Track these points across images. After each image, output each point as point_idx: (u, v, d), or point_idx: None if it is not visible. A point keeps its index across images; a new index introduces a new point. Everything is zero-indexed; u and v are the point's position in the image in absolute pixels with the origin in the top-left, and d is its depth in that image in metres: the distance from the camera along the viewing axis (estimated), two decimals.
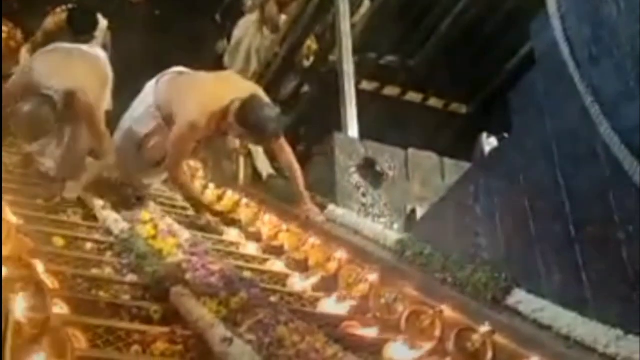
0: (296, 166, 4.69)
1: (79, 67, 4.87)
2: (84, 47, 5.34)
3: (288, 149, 4.73)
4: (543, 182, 3.47)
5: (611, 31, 3.36)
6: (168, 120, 4.76)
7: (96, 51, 5.38)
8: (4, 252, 2.96)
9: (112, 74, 5.28)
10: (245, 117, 4.47)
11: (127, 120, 5.02)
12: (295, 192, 4.68)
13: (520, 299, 3.27)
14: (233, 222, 5.03)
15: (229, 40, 7.61)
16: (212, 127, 4.61)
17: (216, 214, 5.04)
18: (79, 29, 6.10)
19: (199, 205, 4.98)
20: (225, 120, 4.55)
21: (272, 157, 5.40)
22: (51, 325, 2.39)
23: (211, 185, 5.70)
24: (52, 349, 2.22)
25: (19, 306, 2.30)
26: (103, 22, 6.63)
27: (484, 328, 3.14)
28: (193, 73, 5.03)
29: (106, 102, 5.14)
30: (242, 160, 5.85)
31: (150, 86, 4.96)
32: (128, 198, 4.95)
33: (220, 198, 5.46)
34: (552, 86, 3.60)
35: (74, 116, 4.73)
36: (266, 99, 4.75)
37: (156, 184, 5.33)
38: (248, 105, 4.50)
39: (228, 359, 2.68)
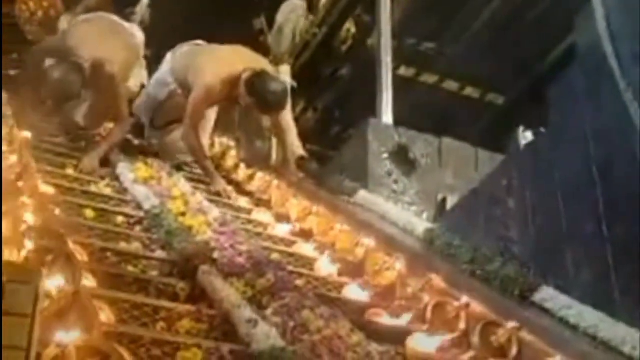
0: (288, 131, 5.12)
1: (112, 40, 5.19)
2: (124, 23, 5.58)
3: (287, 114, 5.14)
4: (578, 179, 3.43)
5: None
6: (184, 86, 5.14)
7: (133, 29, 5.65)
8: (35, 222, 2.99)
9: (146, 51, 5.64)
10: (254, 87, 4.83)
11: (148, 87, 5.55)
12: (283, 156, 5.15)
13: (548, 296, 3.23)
14: (262, 203, 5.03)
15: (266, 18, 7.59)
16: (225, 93, 4.95)
17: (230, 183, 5.28)
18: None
19: (208, 171, 5.22)
20: (236, 87, 4.88)
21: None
22: (80, 298, 2.41)
23: (242, 165, 5.69)
24: (80, 322, 2.23)
25: (48, 278, 2.31)
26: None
27: (511, 324, 3.12)
28: (209, 45, 5.39)
29: (139, 78, 5.60)
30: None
31: (168, 56, 5.37)
32: (146, 150, 5.42)
33: (251, 178, 5.45)
34: (592, 82, 3.55)
35: (99, 85, 5.06)
36: (275, 74, 5.14)
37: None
38: (257, 76, 4.85)
39: (252, 341, 2.68)
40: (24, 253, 2.63)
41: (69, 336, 2.02)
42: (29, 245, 2.68)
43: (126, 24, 5.58)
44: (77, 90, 4.92)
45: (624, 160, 3.26)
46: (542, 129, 4.23)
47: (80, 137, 5.38)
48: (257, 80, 4.83)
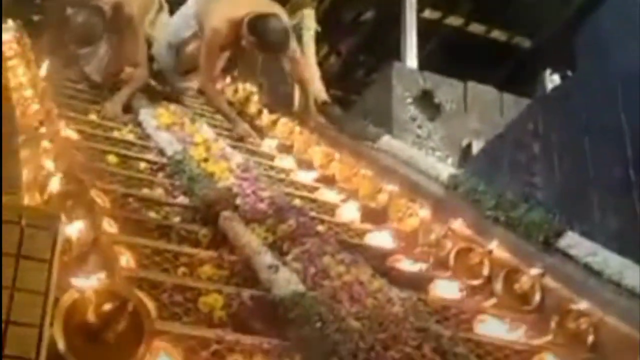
0: (307, 81, 5.24)
1: None
2: None
3: (302, 63, 5.26)
4: (605, 124, 3.36)
5: None
6: (202, 30, 5.26)
7: None
8: (56, 168, 2.98)
9: None
10: (254, 27, 4.97)
11: (169, 29, 5.61)
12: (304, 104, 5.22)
13: (572, 242, 3.19)
14: (285, 149, 5.01)
15: None
16: (231, 37, 5.09)
17: (253, 129, 5.29)
18: None
19: (229, 116, 5.32)
20: (241, 29, 5.01)
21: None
22: (100, 244, 2.41)
23: (265, 110, 5.65)
24: (99, 267, 2.23)
25: (68, 223, 2.30)
26: None
27: (534, 270, 3.09)
28: None
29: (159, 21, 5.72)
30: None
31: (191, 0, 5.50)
32: (169, 96, 5.47)
33: (274, 123, 5.42)
34: (620, 27, 3.45)
35: (119, 27, 5.22)
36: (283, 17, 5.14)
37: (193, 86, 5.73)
38: (258, 17, 5.00)
39: (273, 286, 2.67)
40: (44, 198, 2.63)
41: (88, 281, 2.01)
42: (50, 190, 2.67)
43: None
44: (100, 33, 5.10)
45: None
46: (570, 73, 4.15)
47: (102, 83, 5.39)
48: (258, 21, 4.97)
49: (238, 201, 3.53)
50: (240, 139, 5.02)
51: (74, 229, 2.32)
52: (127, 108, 4.98)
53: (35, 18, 6.70)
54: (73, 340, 1.91)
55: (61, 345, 1.90)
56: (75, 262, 2.19)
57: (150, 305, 2.42)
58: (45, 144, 3.21)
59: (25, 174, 2.78)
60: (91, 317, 1.93)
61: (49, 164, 2.98)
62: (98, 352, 1.93)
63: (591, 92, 3.46)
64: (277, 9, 5.27)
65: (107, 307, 1.93)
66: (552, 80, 4.79)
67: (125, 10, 5.16)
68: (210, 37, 5.12)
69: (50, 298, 1.77)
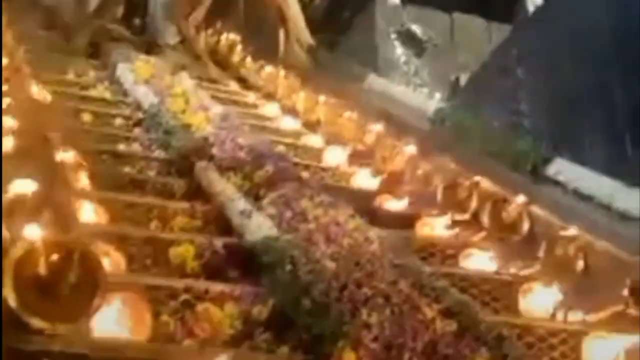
0: (294, 20, 5.29)
1: None
2: None
3: (293, 3, 5.31)
4: (590, 44, 3.21)
5: None
6: None
7: None
8: (18, 126, 2.86)
9: None
10: None
11: None
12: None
13: (561, 168, 3.10)
14: (270, 96, 4.88)
15: None
16: None
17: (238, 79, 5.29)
18: None
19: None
20: None
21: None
22: (56, 199, 2.31)
23: (249, 59, 5.51)
24: (53, 222, 2.13)
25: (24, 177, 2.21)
26: None
27: (521, 198, 2.98)
28: None
29: None
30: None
31: None
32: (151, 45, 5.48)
33: (258, 71, 5.28)
34: None
35: None
36: None
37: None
38: None
39: (245, 232, 2.57)
40: None
41: (37, 232, 1.91)
42: (5, 147, 2.55)
43: None
44: None
45: (637, 23, 3.02)
46: None
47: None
48: None
49: (215, 151, 3.41)
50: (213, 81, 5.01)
51: (26, 184, 2.21)
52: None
53: None
54: (24, 294, 1.82)
55: (12, 300, 1.80)
56: (29, 217, 2.09)
57: (117, 257, 2.36)
58: (8, 101, 3.08)
59: None
60: (42, 269, 1.83)
61: (8, 122, 2.86)
62: (51, 306, 1.83)
63: (573, 11, 3.31)
64: None
65: (55, 258, 1.83)
66: (534, 2, 4.62)
67: None
68: None
69: None
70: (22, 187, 2.24)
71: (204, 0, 5.29)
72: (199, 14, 5.34)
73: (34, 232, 1.93)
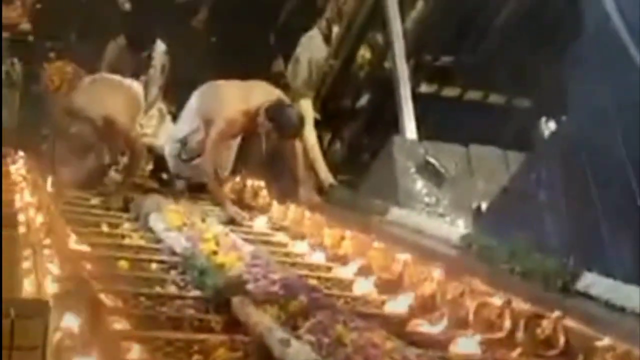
0: (298, 156, 5.62)
1: (115, 95, 5.85)
2: (121, 78, 6.18)
3: (313, 147, 5.85)
4: (606, 156, 3.33)
5: None
6: (207, 122, 5.64)
7: (130, 82, 6.17)
8: (63, 272, 2.97)
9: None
10: (273, 113, 5.40)
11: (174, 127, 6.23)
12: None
13: (591, 282, 3.14)
14: (298, 235, 5.00)
15: (284, 59, 7.65)
16: (245, 125, 5.54)
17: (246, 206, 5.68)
18: (137, 45, 6.48)
19: (221, 199, 5.58)
20: (256, 118, 5.45)
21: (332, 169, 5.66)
22: (102, 336, 2.38)
23: (274, 202, 5.68)
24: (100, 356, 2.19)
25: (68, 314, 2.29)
26: (161, 46, 6.81)
27: (555, 313, 3.01)
28: (228, 81, 5.89)
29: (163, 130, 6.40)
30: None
31: (193, 96, 5.94)
32: (178, 191, 5.97)
33: (284, 213, 5.44)
34: (606, 59, 3.47)
35: (111, 136, 5.74)
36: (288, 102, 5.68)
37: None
38: (276, 104, 5.47)
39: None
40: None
41: None
42: (52, 289, 2.65)
43: (121, 78, 6.15)
44: (92, 143, 5.66)
45: None
46: (564, 117, 4.15)
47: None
48: (276, 107, 5.42)
49: (250, 286, 3.50)
50: (232, 221, 5.27)
51: (73, 320, 2.29)
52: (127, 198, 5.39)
53: (44, 147, 6.85)
54: None
55: None
56: (74, 351, 2.15)
57: None
58: (49, 252, 3.22)
59: (27, 283, 2.79)
60: None
61: (53, 269, 2.98)
62: None
63: (586, 127, 3.45)
64: (281, 94, 5.71)
65: None
66: (549, 127, 4.79)
67: (116, 122, 5.61)
68: (224, 127, 5.51)
69: None
70: (69, 322, 2.32)
71: (230, 147, 5.67)
72: (228, 156, 5.77)
73: None
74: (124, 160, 6.02)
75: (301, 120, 5.51)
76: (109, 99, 5.75)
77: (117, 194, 5.49)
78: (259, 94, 5.57)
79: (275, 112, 5.39)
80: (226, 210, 5.41)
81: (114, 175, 6.02)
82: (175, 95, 6.72)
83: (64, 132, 5.64)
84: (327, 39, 7.14)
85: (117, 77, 6.17)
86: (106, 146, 5.79)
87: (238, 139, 5.72)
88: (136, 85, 6.22)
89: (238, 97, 5.56)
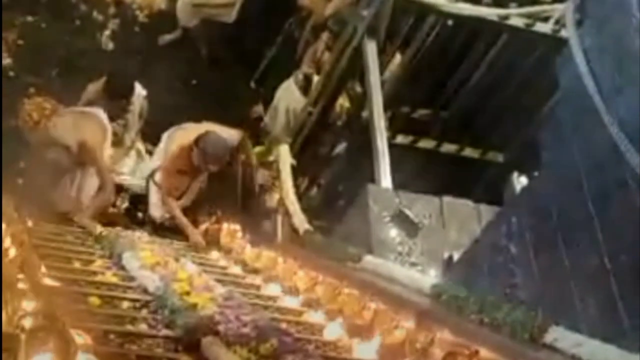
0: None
1: (86, 123, 6.26)
2: (86, 109, 6.56)
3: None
4: (575, 215, 3.41)
5: (634, 60, 3.34)
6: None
7: (95, 111, 6.48)
8: (34, 309, 2.98)
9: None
10: (199, 141, 6.01)
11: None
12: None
13: (558, 335, 3.18)
14: (270, 278, 5.03)
15: (264, 105, 7.74)
16: (185, 158, 6.09)
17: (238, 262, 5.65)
18: (115, 94, 6.55)
19: (185, 227, 6.02)
20: (191, 151, 6.04)
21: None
22: None
23: (249, 246, 5.71)
24: None
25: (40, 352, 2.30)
26: (141, 91, 6.86)
27: None
28: (197, 124, 6.37)
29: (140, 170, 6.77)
30: (279, 218, 5.88)
31: (163, 136, 6.50)
32: (140, 220, 6.40)
33: (258, 256, 5.46)
34: (578, 119, 3.58)
35: (84, 161, 6.11)
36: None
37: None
38: (203, 134, 6.04)
39: None
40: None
41: None
42: (26, 325, 2.66)
43: (86, 109, 6.52)
44: (68, 168, 6.02)
45: (617, 191, 3.24)
46: (536, 173, 4.24)
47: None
48: (203, 135, 6.00)
49: (220, 327, 3.52)
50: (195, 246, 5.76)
51: (44, 356, 2.30)
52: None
53: (19, 181, 6.84)
54: None
55: None
56: None
57: None
58: (23, 286, 3.22)
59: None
60: None
61: (27, 305, 2.99)
62: None
63: (557, 186, 3.55)
64: (226, 130, 6.16)
65: None
66: (520, 182, 4.90)
67: (87, 146, 6.02)
68: (168, 161, 6.18)
69: None
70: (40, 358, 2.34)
71: (192, 188, 6.12)
72: (187, 200, 6.16)
73: None
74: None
75: (225, 145, 6.00)
76: (81, 126, 6.17)
77: (92, 221, 5.77)
78: (200, 130, 6.10)
79: (201, 139, 5.95)
80: (190, 235, 5.87)
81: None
82: (154, 136, 6.77)
83: (41, 162, 5.97)
84: (304, 90, 7.25)
85: (86, 108, 6.55)
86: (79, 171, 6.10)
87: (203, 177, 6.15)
88: (102, 114, 6.47)
89: (183, 135, 6.16)
